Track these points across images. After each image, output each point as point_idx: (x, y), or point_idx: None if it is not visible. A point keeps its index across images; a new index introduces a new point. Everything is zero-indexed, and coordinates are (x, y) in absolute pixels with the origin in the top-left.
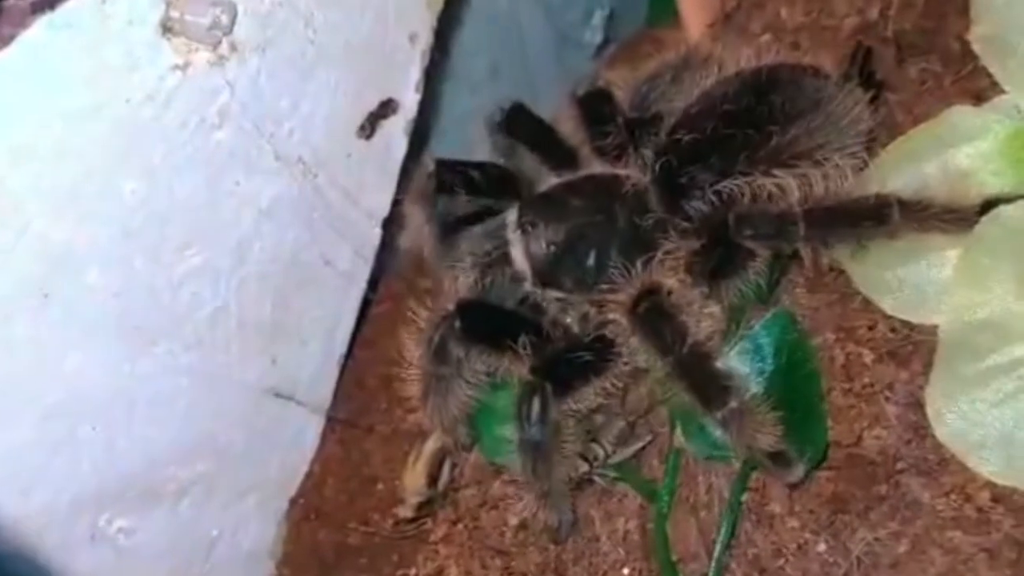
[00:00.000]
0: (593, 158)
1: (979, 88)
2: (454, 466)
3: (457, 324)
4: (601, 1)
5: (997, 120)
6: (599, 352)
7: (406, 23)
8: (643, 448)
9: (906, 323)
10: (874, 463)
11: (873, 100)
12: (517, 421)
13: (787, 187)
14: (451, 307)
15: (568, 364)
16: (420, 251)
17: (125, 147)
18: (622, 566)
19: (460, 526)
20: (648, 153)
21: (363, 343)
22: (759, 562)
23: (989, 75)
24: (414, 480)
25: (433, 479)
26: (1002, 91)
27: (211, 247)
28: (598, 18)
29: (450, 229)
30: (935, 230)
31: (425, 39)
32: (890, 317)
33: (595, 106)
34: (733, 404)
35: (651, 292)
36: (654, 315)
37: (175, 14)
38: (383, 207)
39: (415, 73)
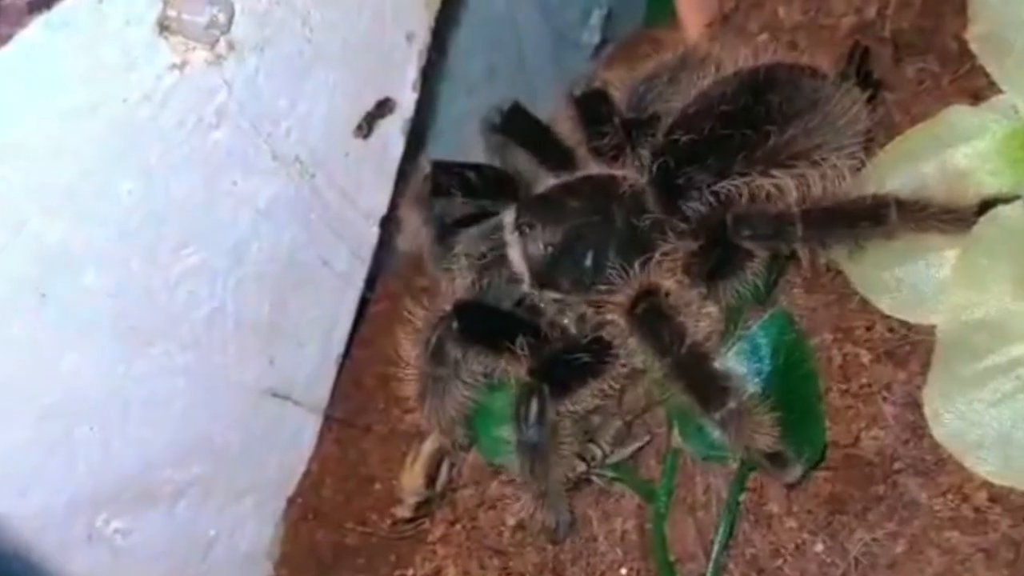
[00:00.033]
0: (590, 159)
1: (977, 88)
2: (452, 466)
3: (454, 325)
4: (599, 1)
5: (995, 120)
6: (597, 353)
7: (403, 22)
8: (641, 448)
9: (904, 323)
10: (872, 463)
11: (871, 100)
12: (515, 423)
13: (785, 187)
14: (448, 308)
15: (566, 366)
16: (418, 252)
17: (122, 146)
18: (620, 566)
19: (458, 526)
20: (645, 154)
21: (360, 343)
22: (757, 562)
23: (987, 74)
24: (412, 480)
25: (431, 479)
26: (999, 91)
27: (208, 247)
28: (596, 18)
29: (447, 231)
30: (933, 230)
31: (422, 38)
32: (888, 317)
33: (592, 106)
34: (731, 405)
35: (649, 293)
36: (652, 316)
37: (172, 13)
38: (380, 207)
39: (412, 72)
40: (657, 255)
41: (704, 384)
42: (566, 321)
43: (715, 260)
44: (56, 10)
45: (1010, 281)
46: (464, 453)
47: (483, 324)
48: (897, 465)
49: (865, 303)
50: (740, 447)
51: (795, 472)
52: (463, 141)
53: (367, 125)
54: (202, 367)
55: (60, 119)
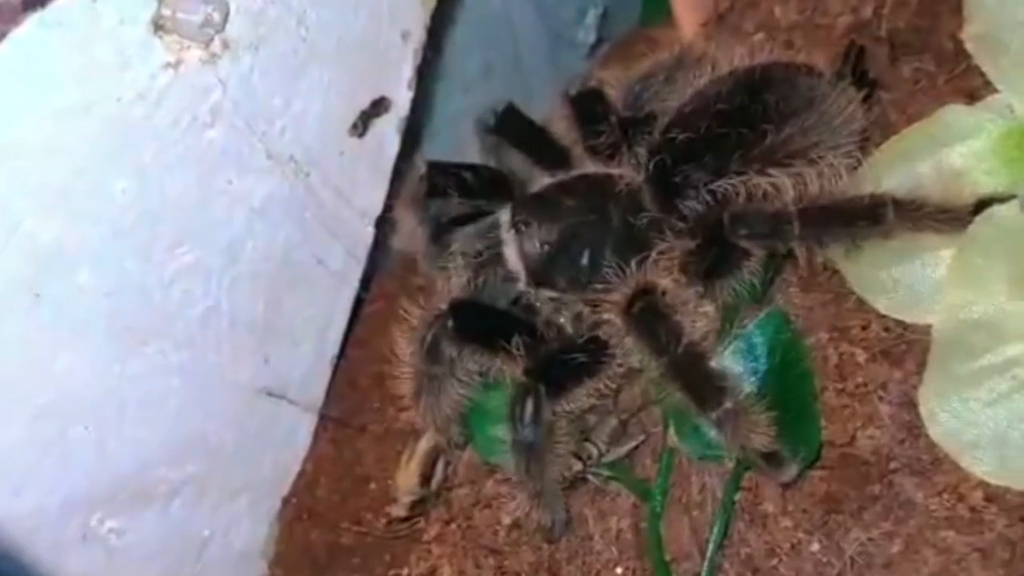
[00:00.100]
0: (586, 158)
1: (972, 87)
2: (447, 465)
3: (450, 323)
4: (594, 0)
5: (990, 119)
6: (593, 353)
7: (399, 21)
8: (636, 447)
9: (900, 322)
10: (867, 463)
11: (867, 99)
12: (510, 422)
13: (782, 186)
14: (444, 306)
15: (561, 365)
16: (413, 252)
17: (116, 145)
18: (615, 565)
19: (453, 525)
20: (642, 152)
21: (355, 342)
22: (752, 562)
23: (982, 74)
24: (407, 479)
25: (426, 478)
26: (995, 90)
27: (203, 246)
28: (591, 17)
29: (443, 230)
30: (929, 230)
31: (418, 37)
32: (884, 316)
33: (588, 105)
34: (728, 404)
35: (646, 292)
36: (649, 315)
37: (167, 12)
38: (376, 206)
39: (408, 71)
40: (654, 254)
41: (700, 383)
42: (562, 320)
43: (712, 259)
44: (50, 8)
45: (1006, 281)
46: (459, 452)
47: (479, 323)
48: (893, 465)
49: (861, 302)
50: (736, 446)
51: (791, 471)
52: (459, 140)
53: (362, 124)
54: (197, 366)
55: (54, 118)
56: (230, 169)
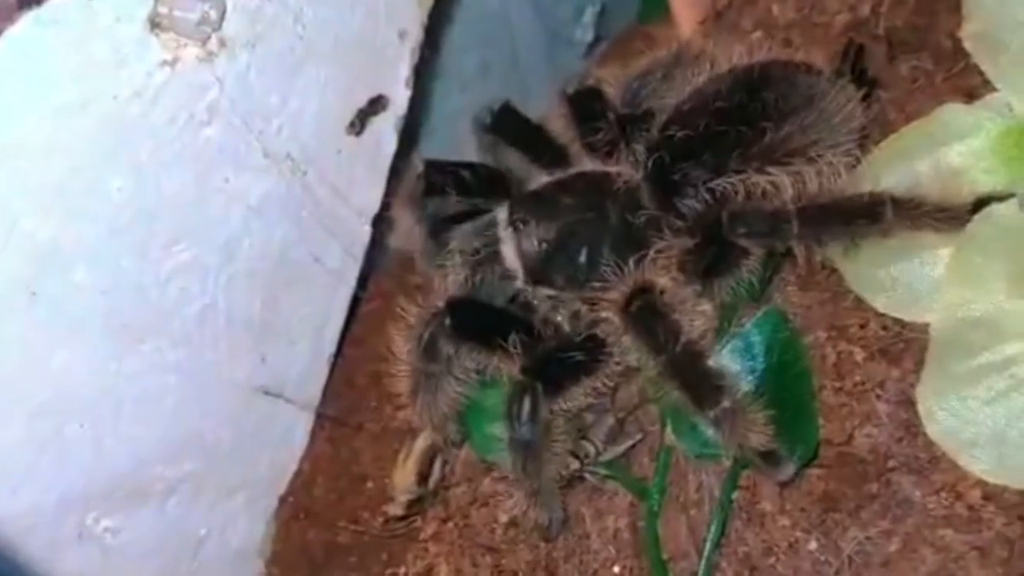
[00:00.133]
0: (584, 156)
1: (971, 86)
2: (444, 464)
3: (447, 321)
4: None
5: (989, 118)
6: (590, 351)
7: (396, 19)
8: (633, 446)
9: (898, 321)
10: (865, 461)
11: (865, 97)
12: (507, 421)
13: (780, 184)
14: (441, 304)
15: (559, 364)
16: (410, 250)
17: (113, 143)
18: (612, 564)
19: (450, 524)
20: (640, 150)
21: (352, 341)
22: (749, 560)
23: (981, 73)
24: (404, 478)
25: (423, 477)
26: (994, 89)
27: (199, 244)
28: (589, 15)
29: (440, 228)
30: (927, 228)
31: (415, 35)
32: (882, 315)
33: (586, 103)
34: (726, 403)
35: (644, 290)
36: (647, 314)
37: (163, 10)
38: (373, 204)
39: (405, 69)
40: (652, 252)
41: (698, 382)
42: (560, 318)
43: (710, 257)
44: (46, 6)
45: (1004, 279)
46: (456, 450)
47: (476, 321)
48: (891, 463)
49: (859, 301)
50: (733, 445)
51: (788, 470)
52: (456, 138)
53: (359, 122)
54: (193, 364)
55: (50, 116)
56: (227, 167)
